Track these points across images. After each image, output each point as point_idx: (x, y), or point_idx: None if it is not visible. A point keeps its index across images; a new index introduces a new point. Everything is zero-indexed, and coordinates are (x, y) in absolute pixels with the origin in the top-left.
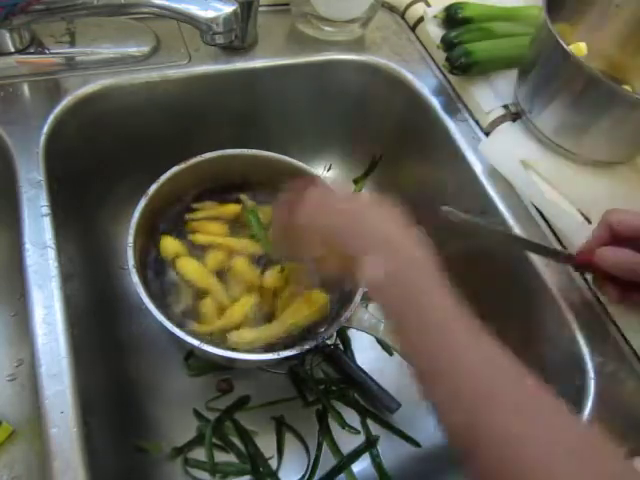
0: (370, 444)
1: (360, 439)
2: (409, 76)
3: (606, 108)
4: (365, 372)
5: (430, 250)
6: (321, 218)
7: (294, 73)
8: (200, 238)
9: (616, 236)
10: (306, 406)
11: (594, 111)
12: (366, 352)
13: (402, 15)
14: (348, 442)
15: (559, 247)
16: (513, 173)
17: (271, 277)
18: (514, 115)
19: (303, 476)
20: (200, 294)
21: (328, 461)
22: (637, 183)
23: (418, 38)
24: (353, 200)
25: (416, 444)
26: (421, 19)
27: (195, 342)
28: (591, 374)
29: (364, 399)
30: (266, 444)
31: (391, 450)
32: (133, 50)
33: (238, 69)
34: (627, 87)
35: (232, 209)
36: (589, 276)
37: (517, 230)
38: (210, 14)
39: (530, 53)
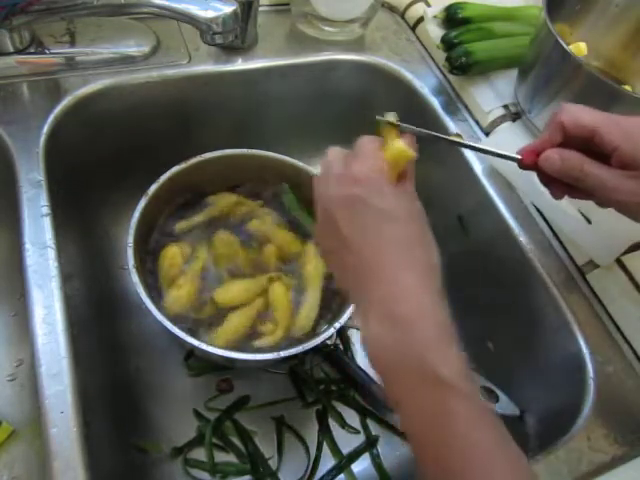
0: (370, 444)
1: (360, 439)
2: (409, 76)
3: (606, 108)
4: (365, 372)
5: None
6: (326, 258)
7: (294, 73)
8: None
9: (567, 137)
10: (306, 406)
11: None
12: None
13: (402, 15)
14: (348, 442)
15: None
16: (513, 173)
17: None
18: (514, 115)
19: (303, 476)
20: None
21: (328, 461)
22: None
23: (418, 38)
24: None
25: None
26: (421, 19)
27: (195, 342)
28: (591, 374)
29: (364, 399)
30: (266, 444)
31: (391, 450)
32: (133, 50)
33: (238, 69)
34: (627, 87)
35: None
36: (589, 278)
37: (516, 230)
38: (210, 14)
39: (530, 53)
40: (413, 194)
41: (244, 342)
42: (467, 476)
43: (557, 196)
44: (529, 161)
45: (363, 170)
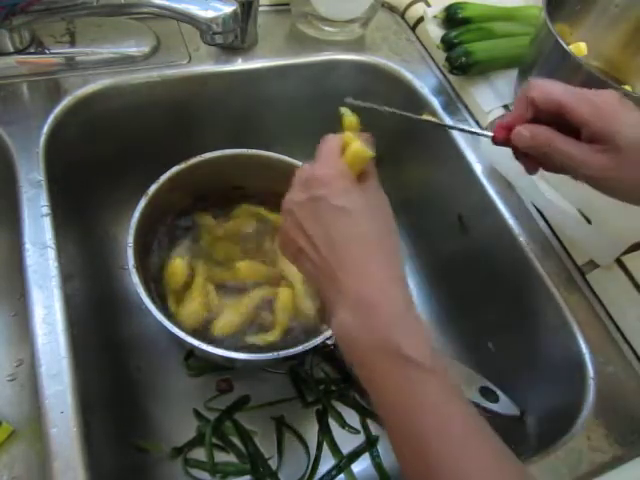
0: (370, 444)
1: (360, 439)
2: (409, 76)
3: None
4: None
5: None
6: (295, 260)
7: (294, 73)
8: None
9: (537, 111)
10: (306, 406)
11: None
12: None
13: (402, 15)
14: (348, 442)
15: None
16: (513, 173)
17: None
18: None
19: (303, 476)
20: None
21: (328, 461)
22: None
23: (418, 38)
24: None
25: None
26: (421, 19)
27: (195, 342)
28: (591, 374)
29: (364, 399)
30: (266, 444)
31: (391, 450)
32: (133, 50)
33: (238, 69)
34: (627, 87)
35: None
36: (589, 278)
37: (516, 230)
38: (210, 14)
39: (530, 53)
40: (377, 189)
41: (241, 335)
42: (442, 451)
43: (531, 170)
44: (501, 137)
45: (324, 172)
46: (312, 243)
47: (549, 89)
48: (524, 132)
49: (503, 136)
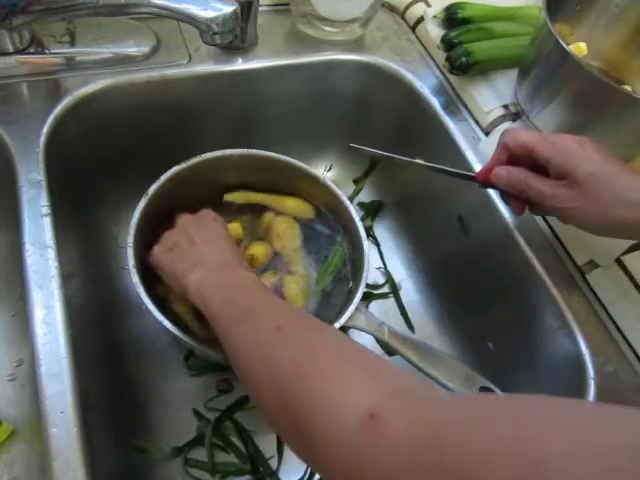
0: None
1: None
2: (409, 76)
3: (606, 108)
4: None
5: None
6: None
7: (294, 73)
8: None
9: (512, 155)
10: None
11: (594, 111)
12: None
13: (402, 15)
14: None
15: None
16: None
17: None
18: (514, 115)
19: (303, 476)
20: None
21: None
22: None
23: (418, 38)
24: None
25: None
26: (421, 19)
27: (195, 342)
28: (591, 374)
29: None
30: (266, 444)
31: None
32: (133, 50)
33: (238, 69)
34: (627, 87)
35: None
36: (589, 278)
37: (516, 230)
38: (210, 14)
39: (530, 53)
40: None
41: None
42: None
43: (517, 211)
44: (483, 178)
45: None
46: (192, 244)
47: (518, 134)
48: (501, 172)
49: (484, 177)
